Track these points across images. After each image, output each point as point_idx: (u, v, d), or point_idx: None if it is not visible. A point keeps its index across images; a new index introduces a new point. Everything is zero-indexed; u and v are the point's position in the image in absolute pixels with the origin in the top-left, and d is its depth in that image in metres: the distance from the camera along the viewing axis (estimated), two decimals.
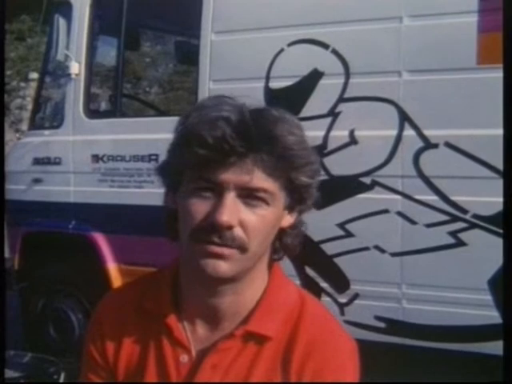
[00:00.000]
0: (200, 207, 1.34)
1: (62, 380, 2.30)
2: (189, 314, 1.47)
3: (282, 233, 1.44)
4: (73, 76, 5.25)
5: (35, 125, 5.75)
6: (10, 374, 2.35)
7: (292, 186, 1.37)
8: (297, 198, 1.41)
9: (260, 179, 1.32)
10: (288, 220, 1.43)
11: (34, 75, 12.25)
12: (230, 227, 1.32)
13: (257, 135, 1.31)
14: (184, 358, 1.45)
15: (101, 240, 5.17)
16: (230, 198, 1.32)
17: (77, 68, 5.24)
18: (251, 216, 1.34)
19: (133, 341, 1.51)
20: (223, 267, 1.35)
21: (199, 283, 1.43)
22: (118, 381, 1.52)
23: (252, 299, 1.46)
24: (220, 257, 1.34)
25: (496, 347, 4.01)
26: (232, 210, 1.31)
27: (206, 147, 1.30)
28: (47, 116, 5.90)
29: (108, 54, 6.06)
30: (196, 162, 1.32)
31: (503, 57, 2.71)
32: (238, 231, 1.33)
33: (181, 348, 1.46)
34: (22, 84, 13.07)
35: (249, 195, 1.33)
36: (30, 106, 5.56)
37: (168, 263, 1.57)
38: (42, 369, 2.43)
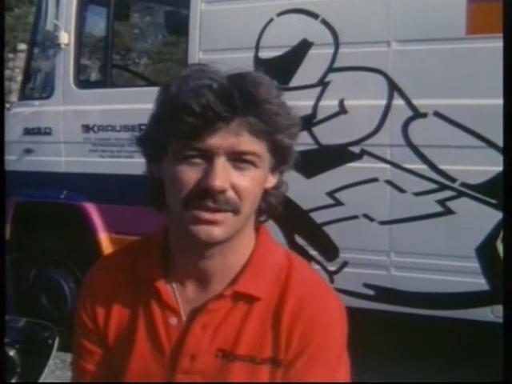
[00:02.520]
0: (191, 174, 1.35)
1: (56, 345, 2.33)
2: (178, 277, 1.50)
3: (265, 194, 1.47)
4: (62, 46, 5.23)
5: (25, 95, 5.74)
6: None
7: (276, 147, 1.40)
8: (279, 159, 1.43)
9: (248, 142, 1.35)
10: (271, 181, 1.46)
11: (23, 46, 12.15)
12: (223, 191, 1.34)
13: (240, 99, 1.33)
14: (173, 320, 1.48)
15: (92, 210, 5.19)
16: (221, 162, 1.34)
17: (66, 38, 5.22)
18: (242, 179, 1.36)
19: (123, 305, 1.53)
20: (217, 232, 1.37)
21: (189, 247, 1.45)
22: (108, 344, 1.55)
23: (240, 260, 1.49)
24: (213, 223, 1.36)
25: (483, 313, 4.09)
26: (224, 174, 1.34)
27: (193, 116, 1.31)
28: (37, 86, 5.89)
29: (97, 24, 6.04)
30: (184, 131, 1.34)
31: (503, 26, 2.73)
32: (230, 194, 1.36)
33: (170, 311, 1.48)
34: (11, 55, 12.98)
35: (238, 159, 1.36)
36: (19, 78, 5.54)
37: (157, 231, 1.59)
38: (36, 333, 2.45)
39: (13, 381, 2.38)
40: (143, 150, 1.46)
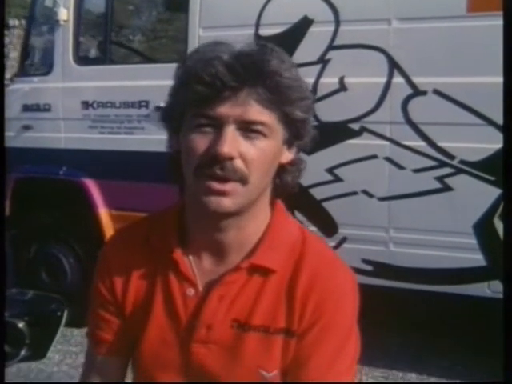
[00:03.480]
0: (201, 142, 1.40)
1: (65, 317, 2.38)
2: (194, 249, 1.54)
3: (281, 170, 1.50)
4: (61, 22, 5.24)
5: (24, 71, 5.73)
6: (12, 311, 2.41)
7: (288, 120, 1.43)
8: (294, 133, 1.46)
9: (256, 112, 1.38)
10: (287, 156, 1.50)
11: (16, 22, 12.08)
12: (231, 158, 1.38)
13: (250, 70, 1.37)
14: (190, 291, 1.52)
15: (91, 185, 5.22)
16: (230, 130, 1.38)
17: (65, 14, 5.22)
18: (250, 148, 1.40)
19: (140, 276, 1.57)
20: (226, 203, 1.41)
21: (204, 219, 1.49)
22: (125, 314, 1.59)
23: (256, 234, 1.52)
24: (222, 193, 1.40)
25: (480, 289, 4.15)
26: (232, 142, 1.37)
27: (202, 84, 1.36)
28: (36, 63, 5.88)
29: (96, 0, 6.02)
30: (195, 98, 1.38)
31: (503, 4, 2.75)
32: (238, 163, 1.39)
33: (187, 282, 1.52)
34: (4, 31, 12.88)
35: (247, 128, 1.39)
36: (11, 54, 5.53)
37: (173, 204, 1.63)
38: (44, 306, 2.50)
39: (22, 352, 2.43)
40: (164, 123, 1.52)
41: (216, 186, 1.39)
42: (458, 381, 4.41)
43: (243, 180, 1.40)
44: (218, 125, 1.38)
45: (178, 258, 1.53)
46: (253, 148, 1.40)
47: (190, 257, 1.54)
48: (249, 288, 1.50)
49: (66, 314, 2.61)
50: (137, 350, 1.58)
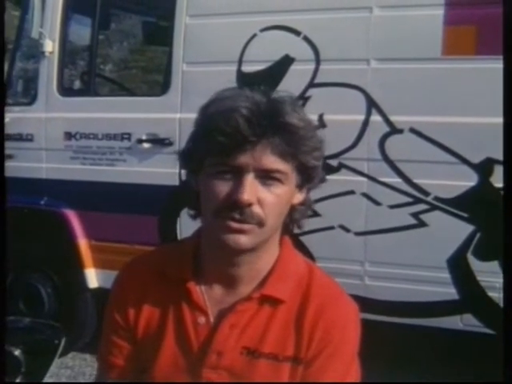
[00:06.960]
0: (222, 188, 1.50)
1: (62, 345, 2.41)
2: (207, 280, 1.64)
3: (292, 209, 1.62)
4: (46, 54, 5.29)
5: (7, 101, 5.77)
6: (8, 338, 2.44)
7: (302, 167, 1.55)
8: (306, 178, 1.60)
9: (273, 161, 1.50)
10: (298, 198, 1.62)
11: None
12: (250, 204, 1.49)
13: (267, 124, 1.47)
14: (201, 319, 1.62)
15: (72, 216, 5.24)
16: (249, 178, 1.49)
17: (51, 46, 5.27)
18: (268, 194, 1.51)
19: (153, 304, 1.66)
20: (243, 240, 1.51)
21: (220, 254, 1.59)
22: (137, 340, 1.67)
23: (265, 267, 1.63)
24: (240, 231, 1.50)
25: (453, 322, 4.26)
26: (251, 190, 1.48)
27: (224, 136, 1.47)
28: (19, 92, 5.93)
29: (81, 33, 6.11)
30: (217, 149, 1.49)
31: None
32: (256, 208, 1.50)
33: (198, 311, 1.62)
34: None
35: (265, 176, 1.51)
36: None
37: (189, 236, 1.73)
38: (41, 333, 2.53)
39: (18, 380, 2.45)
40: (183, 163, 1.62)
41: (234, 225, 1.50)
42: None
43: (260, 223, 1.51)
44: (238, 172, 1.48)
45: (191, 288, 1.62)
46: (270, 194, 1.50)
47: (203, 287, 1.63)
48: (259, 317, 1.60)
49: (63, 341, 2.63)
50: (148, 375, 1.65)
